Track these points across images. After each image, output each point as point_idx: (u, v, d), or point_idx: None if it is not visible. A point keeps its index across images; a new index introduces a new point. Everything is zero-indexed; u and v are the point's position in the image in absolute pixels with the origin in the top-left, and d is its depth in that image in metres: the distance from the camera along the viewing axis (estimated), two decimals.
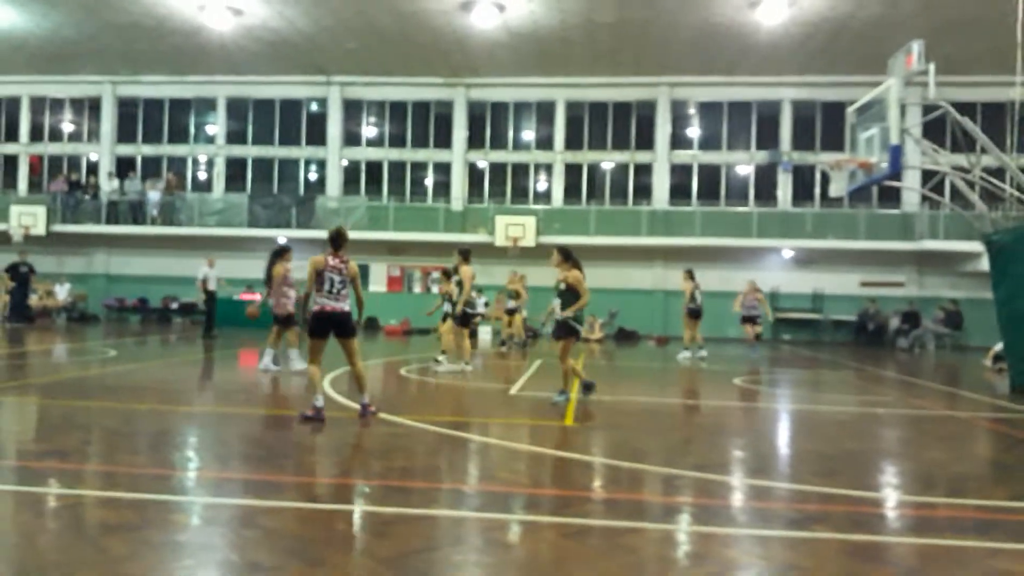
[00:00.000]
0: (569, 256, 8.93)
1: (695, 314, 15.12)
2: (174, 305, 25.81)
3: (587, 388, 9.23)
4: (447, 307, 12.63)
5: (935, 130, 15.58)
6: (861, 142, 12.83)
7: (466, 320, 12.25)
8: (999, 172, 12.12)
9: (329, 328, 7.39)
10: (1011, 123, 15.27)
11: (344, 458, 6.08)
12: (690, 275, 15.48)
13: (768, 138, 25.29)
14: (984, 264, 12.67)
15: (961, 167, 12.04)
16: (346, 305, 7.41)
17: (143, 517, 4.18)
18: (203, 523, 4.23)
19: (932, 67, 11.35)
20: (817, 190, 24.39)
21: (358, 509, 4.62)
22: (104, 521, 4.14)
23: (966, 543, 4.20)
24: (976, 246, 16.54)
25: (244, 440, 6.55)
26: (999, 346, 13.74)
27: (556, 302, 8.82)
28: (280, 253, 11.66)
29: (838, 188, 13.17)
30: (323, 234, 25.97)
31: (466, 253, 12.03)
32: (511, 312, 18.29)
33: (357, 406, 7.71)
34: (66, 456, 5.63)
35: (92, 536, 3.92)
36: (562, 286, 8.76)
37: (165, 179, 26.30)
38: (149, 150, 27.68)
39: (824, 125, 24.66)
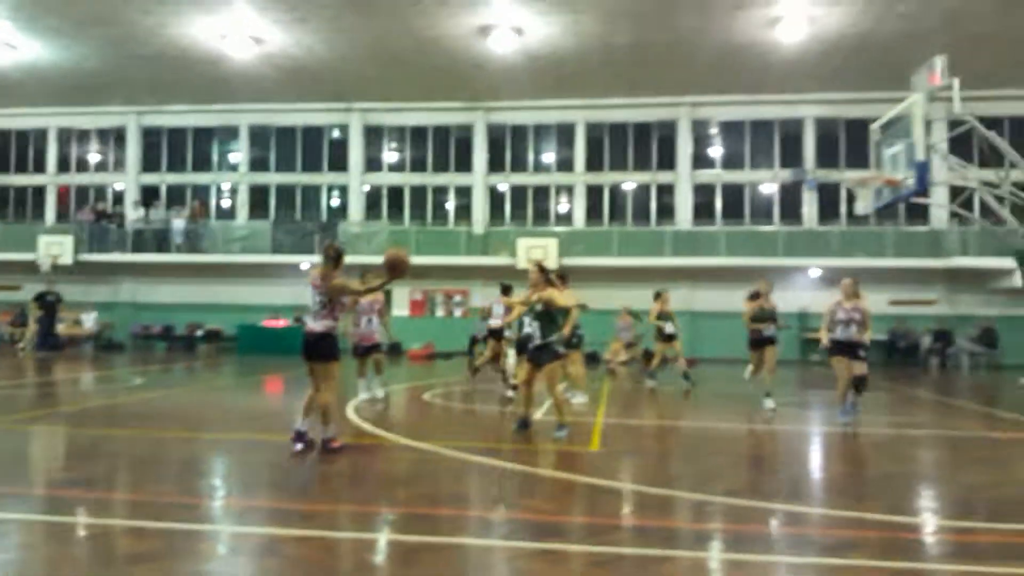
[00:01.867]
0: (547, 274, 8.34)
1: (668, 339, 14.00)
2: (199, 332, 26.01)
3: (524, 425, 8.34)
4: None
5: (962, 145, 15.38)
6: (886, 159, 12.69)
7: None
8: None
9: (306, 351, 6.92)
10: None
11: (369, 486, 6.02)
12: (658, 296, 14.14)
13: (791, 156, 25.09)
14: (1017, 280, 12.45)
15: (990, 182, 11.86)
16: (320, 326, 6.88)
17: (169, 546, 4.17)
18: (228, 552, 4.21)
19: (956, 82, 11.23)
20: (843, 208, 24.12)
21: (383, 537, 4.56)
22: (130, 550, 4.12)
23: (1007, 570, 4.08)
24: (1008, 262, 16.23)
25: (269, 468, 6.51)
26: None
27: (534, 325, 8.10)
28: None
29: (864, 206, 13.02)
30: (346, 259, 26.17)
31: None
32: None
33: (383, 433, 7.64)
34: (93, 484, 5.64)
35: (118, 565, 3.90)
36: (538, 307, 8.10)
37: (189, 207, 26.61)
38: (173, 179, 28.06)
39: (848, 142, 24.44)
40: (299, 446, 6.83)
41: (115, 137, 28.25)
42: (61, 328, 23.71)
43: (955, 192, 15.01)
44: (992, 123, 13.86)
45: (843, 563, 4.09)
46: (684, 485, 6.00)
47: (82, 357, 21.12)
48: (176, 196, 27.66)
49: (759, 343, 11.05)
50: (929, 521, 5.18)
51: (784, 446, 8.41)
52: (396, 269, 7.03)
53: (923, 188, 11.66)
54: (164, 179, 28.05)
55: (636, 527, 4.86)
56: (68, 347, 23.53)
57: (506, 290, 11.78)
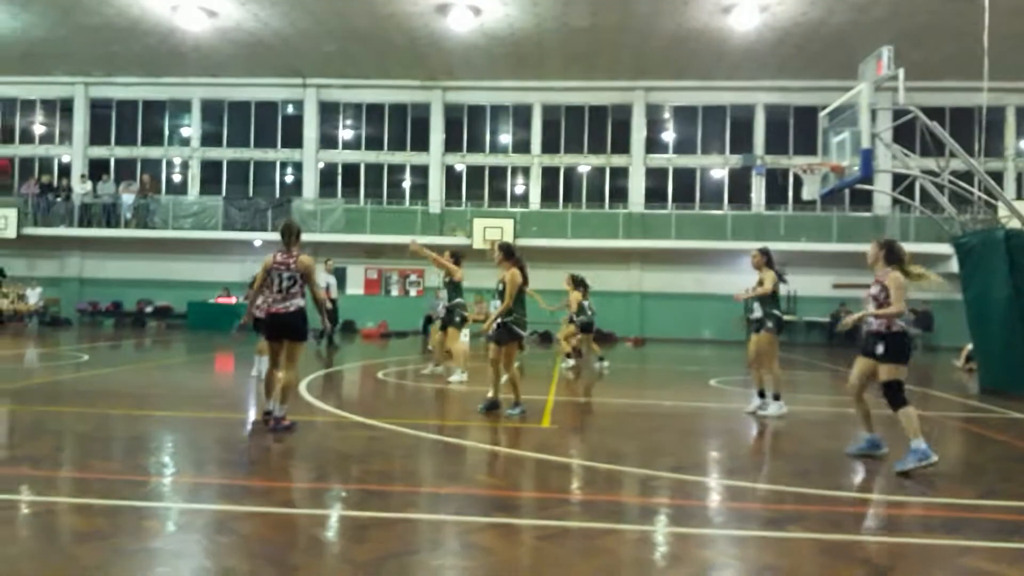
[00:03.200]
0: (511, 254, 8.26)
1: (586, 328, 13.69)
2: (149, 309, 25.53)
3: (493, 406, 8.25)
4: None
5: (905, 134, 15.81)
6: (833, 146, 13.00)
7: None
8: (967, 176, 12.32)
9: (277, 331, 6.93)
10: (979, 128, 15.56)
11: (321, 462, 6.04)
12: (575, 282, 13.81)
13: (742, 142, 25.54)
14: (954, 266, 12.88)
15: (931, 171, 12.23)
16: (292, 306, 6.85)
17: (115, 524, 4.15)
18: (177, 529, 4.18)
19: (902, 72, 11.54)
20: (790, 193, 24.67)
21: (335, 513, 4.61)
22: (76, 529, 4.10)
23: (938, 541, 4.29)
24: (946, 248, 16.79)
25: (220, 445, 6.50)
26: (970, 346, 13.98)
27: (496, 303, 8.15)
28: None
29: (811, 191, 13.32)
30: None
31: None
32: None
33: (336, 411, 7.66)
34: (37, 462, 5.55)
35: (63, 544, 3.87)
36: (500, 286, 8.14)
37: (139, 181, 26.01)
38: (123, 152, 27.37)
39: (797, 129, 24.97)
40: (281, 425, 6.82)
41: (62, 108, 27.41)
42: (4, 304, 23.09)
43: (897, 180, 15.45)
44: (934, 113, 14.30)
45: (784, 536, 4.26)
46: (631, 461, 6.16)
47: (26, 333, 20.60)
48: (125, 170, 27.01)
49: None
50: (865, 495, 5.41)
51: (729, 424, 8.65)
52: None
53: (867, 175, 11.98)
54: (113, 152, 27.35)
55: (583, 501, 4.99)
56: (11, 323, 22.93)
57: (457, 259, 11.66)
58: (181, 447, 6.49)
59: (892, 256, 6.43)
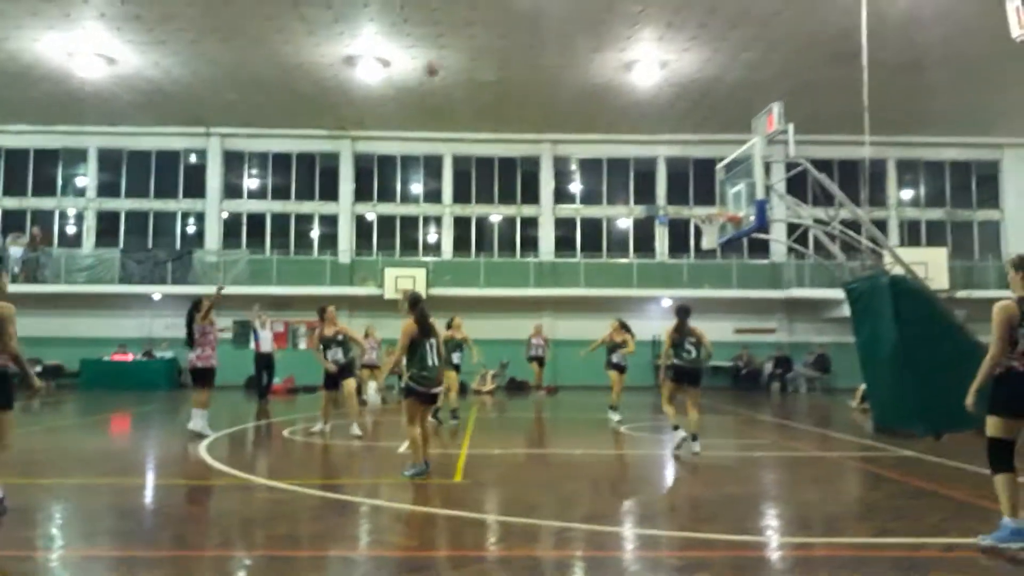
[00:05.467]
0: (415, 304, 7.78)
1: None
2: (38, 368, 24.04)
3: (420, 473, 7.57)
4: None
5: (798, 185, 16.65)
6: (730, 197, 13.55)
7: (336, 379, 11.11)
8: (855, 225, 13.08)
9: None
10: (863, 179, 16.60)
11: (223, 527, 5.78)
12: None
13: (645, 193, 26.41)
14: (846, 310, 13.53)
15: (821, 220, 12.90)
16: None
17: None
18: None
19: (791, 127, 12.18)
20: (692, 242, 25.57)
21: None
22: None
23: None
24: (839, 293, 17.69)
25: (113, 512, 6.13)
26: (863, 387, 14.65)
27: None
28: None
29: (710, 240, 13.81)
30: (200, 289, 25.16)
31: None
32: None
33: (238, 473, 7.34)
34: None
35: None
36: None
37: (29, 233, 24.68)
38: (11, 203, 25.96)
39: (696, 180, 25.98)
40: None
41: None
42: None
43: (792, 228, 16.26)
44: (823, 166, 15.19)
45: None
46: (544, 513, 6.13)
47: None
48: (14, 221, 25.57)
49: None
50: (771, 538, 5.54)
51: (637, 471, 8.76)
52: None
53: (763, 224, 12.49)
54: (1, 203, 25.93)
55: (497, 558, 4.92)
56: None
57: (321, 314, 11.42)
58: (71, 517, 6.09)
59: None
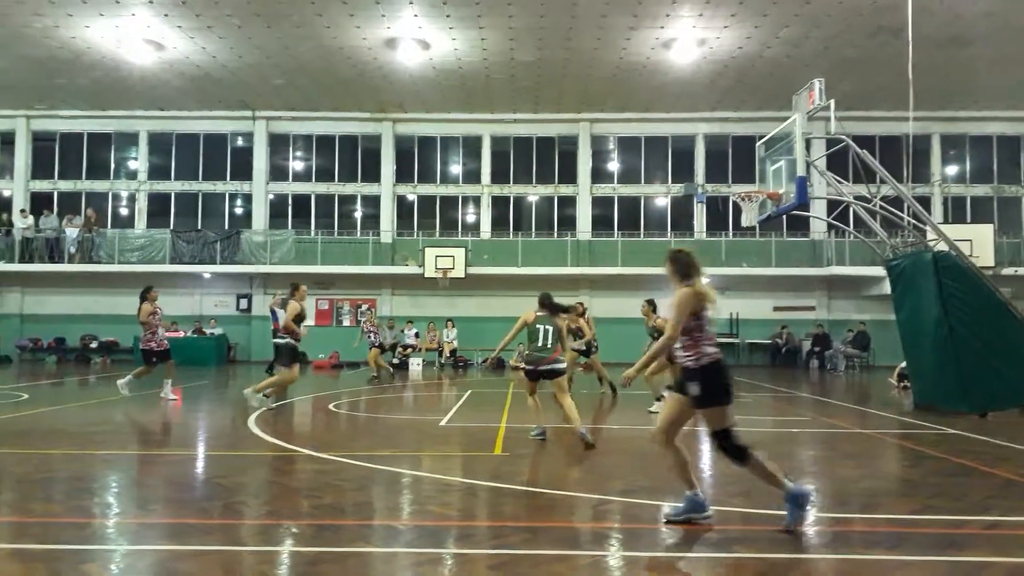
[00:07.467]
0: (542, 303, 8.90)
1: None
2: (94, 344, 24.91)
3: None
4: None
5: (838, 162, 16.48)
6: (770, 174, 13.46)
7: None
8: (897, 201, 12.87)
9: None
10: (906, 155, 16.27)
11: (270, 497, 6.01)
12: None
13: (683, 171, 26.21)
14: (887, 287, 13.38)
15: (863, 197, 12.74)
16: None
17: (54, 569, 4.03)
18: (119, 573, 4.11)
19: (833, 103, 12.06)
20: (730, 220, 25.34)
21: (285, 550, 4.58)
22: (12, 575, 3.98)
23: (877, 557, 4.39)
24: (879, 271, 17.46)
25: (165, 483, 6.43)
26: (903, 365, 14.49)
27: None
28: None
29: (749, 218, 13.74)
30: (248, 268, 25.77)
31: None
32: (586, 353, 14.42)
33: (286, 444, 7.57)
34: None
35: None
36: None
37: (84, 215, 25.50)
38: (66, 186, 26.83)
39: (735, 158, 25.71)
40: None
41: (2, 141, 26.80)
42: None
43: (832, 206, 16.03)
44: (865, 142, 14.95)
45: (729, 556, 4.37)
46: (582, 486, 6.26)
47: None
48: (69, 204, 26.46)
49: None
50: (808, 514, 5.56)
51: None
52: None
53: (803, 202, 12.42)
54: (56, 186, 26.80)
55: (535, 528, 5.02)
56: None
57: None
58: (125, 486, 6.38)
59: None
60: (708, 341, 4.94)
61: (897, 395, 14.70)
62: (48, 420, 10.38)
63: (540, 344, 8.58)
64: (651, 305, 12.43)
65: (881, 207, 12.34)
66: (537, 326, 8.66)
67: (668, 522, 5.03)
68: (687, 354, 4.91)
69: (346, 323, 25.75)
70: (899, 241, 12.98)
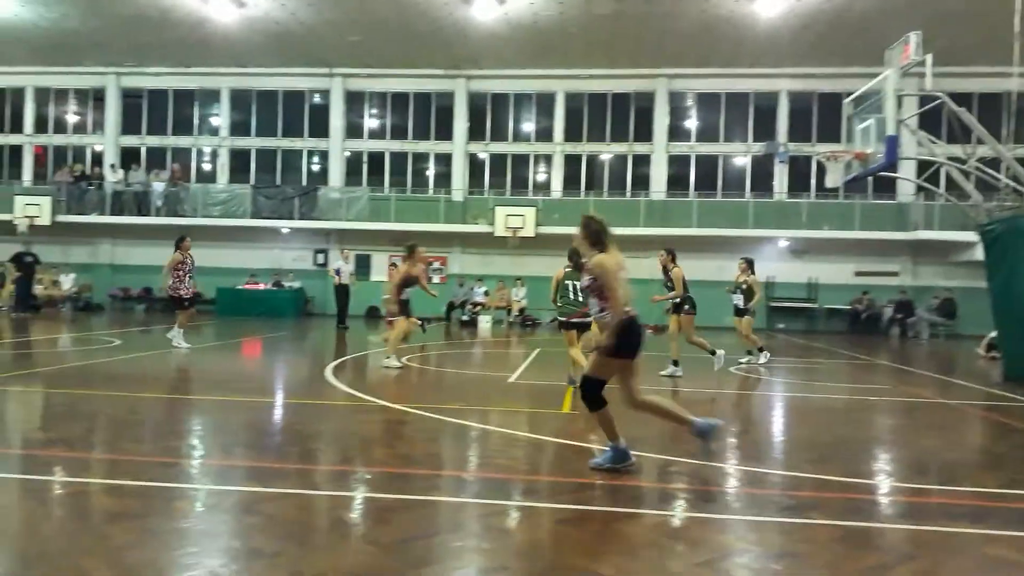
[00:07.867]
0: (571, 255, 9.05)
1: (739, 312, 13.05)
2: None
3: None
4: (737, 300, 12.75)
5: (931, 121, 15.62)
6: (857, 133, 12.89)
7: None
8: (994, 162, 12.16)
9: None
10: (1007, 113, 15.33)
11: (345, 445, 6.19)
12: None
13: (765, 129, 25.35)
14: (979, 254, 12.73)
15: (957, 157, 12.10)
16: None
17: (146, 505, 4.25)
18: (205, 510, 4.30)
19: (929, 58, 11.41)
20: (813, 181, 24.47)
21: (359, 495, 4.72)
22: (108, 509, 4.21)
23: (960, 530, 4.24)
24: (970, 236, 16.60)
25: (248, 428, 6.68)
26: (993, 335, 13.85)
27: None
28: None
29: (834, 179, 13.23)
30: (325, 224, 26.38)
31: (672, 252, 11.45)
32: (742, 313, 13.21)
33: (360, 395, 7.75)
34: (70, 444, 5.73)
35: (95, 524, 3.99)
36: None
37: (170, 170, 26.41)
38: (154, 141, 27.77)
39: (820, 116, 24.72)
40: None
41: (94, 98, 27.86)
42: (39, 289, 23.60)
43: (922, 167, 15.28)
44: (962, 99, 14.10)
45: (802, 522, 4.28)
46: (650, 447, 6.22)
47: (60, 318, 21.04)
48: (156, 159, 27.43)
49: None
50: (885, 483, 5.39)
51: (749, 410, 8.70)
52: None
53: (892, 162, 11.88)
54: (144, 141, 27.76)
55: (603, 486, 5.02)
56: (46, 308, 23.43)
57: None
58: (210, 430, 6.67)
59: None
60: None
61: (985, 366, 14.08)
62: (138, 365, 10.90)
63: (572, 299, 8.91)
64: (748, 263, 12.79)
65: (977, 168, 11.70)
66: (567, 282, 9.01)
67: (593, 468, 5.31)
68: (604, 313, 5.40)
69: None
70: (995, 205, 12.27)
